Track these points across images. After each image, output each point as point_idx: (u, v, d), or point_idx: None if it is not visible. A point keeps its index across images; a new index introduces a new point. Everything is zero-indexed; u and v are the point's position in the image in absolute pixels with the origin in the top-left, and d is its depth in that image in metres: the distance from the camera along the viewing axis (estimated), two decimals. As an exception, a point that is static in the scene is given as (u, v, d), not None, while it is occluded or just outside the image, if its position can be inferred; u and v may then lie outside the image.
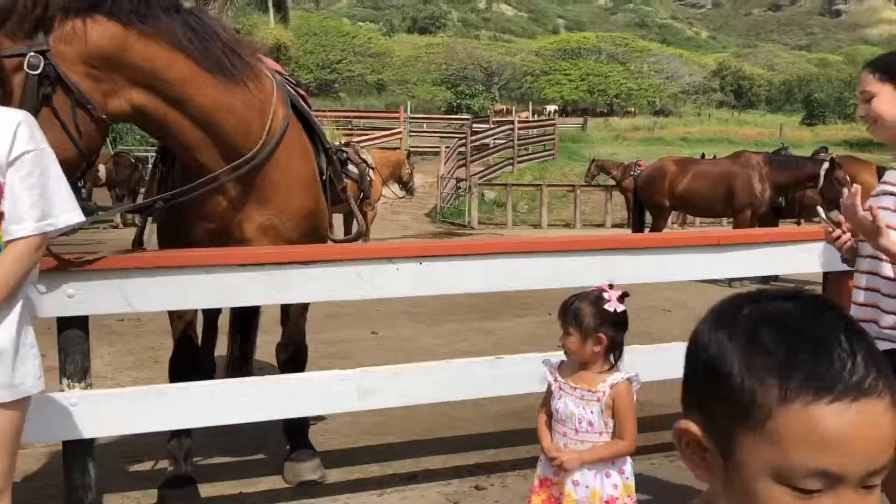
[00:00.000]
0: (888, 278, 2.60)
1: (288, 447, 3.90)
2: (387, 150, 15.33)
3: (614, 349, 2.55)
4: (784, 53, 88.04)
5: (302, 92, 4.09)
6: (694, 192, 10.95)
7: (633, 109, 56.74)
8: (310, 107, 4.04)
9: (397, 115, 30.66)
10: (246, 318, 4.89)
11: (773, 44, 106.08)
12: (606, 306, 2.50)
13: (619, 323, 2.53)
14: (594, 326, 2.49)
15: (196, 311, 3.64)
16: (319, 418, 4.81)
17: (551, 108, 45.63)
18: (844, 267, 4.09)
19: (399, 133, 27.05)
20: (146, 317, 7.69)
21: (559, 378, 2.61)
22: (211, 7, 15.97)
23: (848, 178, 10.08)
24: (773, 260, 4.06)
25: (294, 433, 3.87)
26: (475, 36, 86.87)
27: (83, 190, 17.33)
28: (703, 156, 13.89)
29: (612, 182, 18.93)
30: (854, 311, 2.62)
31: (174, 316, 3.54)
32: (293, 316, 3.77)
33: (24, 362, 2.22)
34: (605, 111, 55.91)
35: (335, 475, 3.89)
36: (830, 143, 22.27)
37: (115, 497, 3.62)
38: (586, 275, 3.32)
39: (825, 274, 4.20)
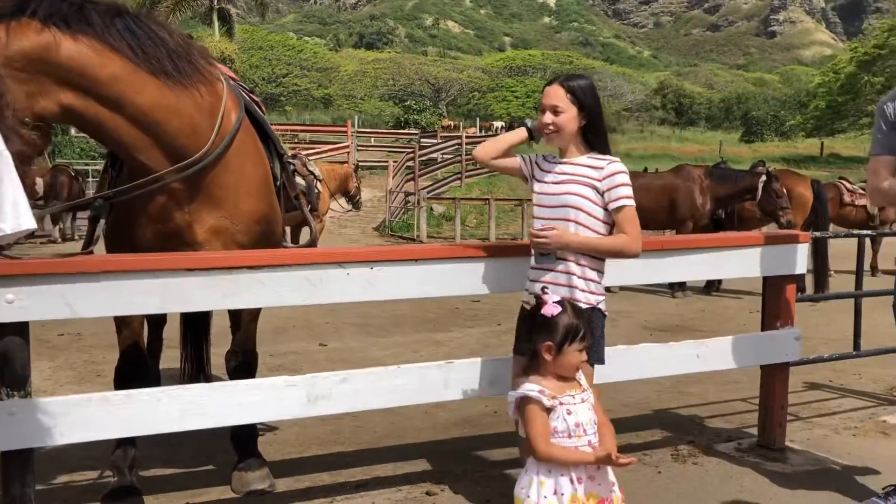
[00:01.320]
0: None
1: (236, 457, 3.84)
2: (334, 164, 15.25)
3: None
4: (723, 72, 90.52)
5: (256, 98, 4.08)
6: (638, 205, 11.13)
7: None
8: (264, 113, 4.03)
9: (345, 129, 30.57)
10: (196, 327, 4.81)
11: (713, 63, 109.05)
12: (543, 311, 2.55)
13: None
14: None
15: (143, 318, 3.58)
16: (269, 428, 4.76)
17: (498, 123, 45.99)
18: (782, 271, 4.25)
19: (346, 147, 26.95)
20: (88, 331, 7.52)
21: (554, 395, 2.52)
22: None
23: (784, 191, 10.43)
24: (714, 265, 4.17)
25: (242, 443, 3.82)
26: (422, 52, 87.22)
27: (20, 203, 16.85)
28: (645, 169, 14.17)
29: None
30: None
31: (120, 323, 3.48)
32: (243, 323, 3.72)
33: None
34: (551, 127, 56.14)
35: (284, 484, 3.85)
36: (768, 159, 22.93)
37: (55, 512, 3.52)
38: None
39: (764, 278, 4.33)
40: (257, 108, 3.83)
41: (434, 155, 27.12)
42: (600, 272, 3.17)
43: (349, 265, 3.30)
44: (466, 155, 26.97)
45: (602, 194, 3.09)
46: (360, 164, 19.71)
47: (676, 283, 10.75)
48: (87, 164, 21.26)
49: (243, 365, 3.71)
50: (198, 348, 4.87)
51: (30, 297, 2.85)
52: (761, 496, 3.75)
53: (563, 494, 2.41)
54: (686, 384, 5.84)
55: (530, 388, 2.50)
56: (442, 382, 3.52)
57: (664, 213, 11.01)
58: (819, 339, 7.31)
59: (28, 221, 2.16)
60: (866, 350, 5.24)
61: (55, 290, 2.88)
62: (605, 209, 3.11)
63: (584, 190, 3.09)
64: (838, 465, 4.18)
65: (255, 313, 3.77)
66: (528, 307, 3.07)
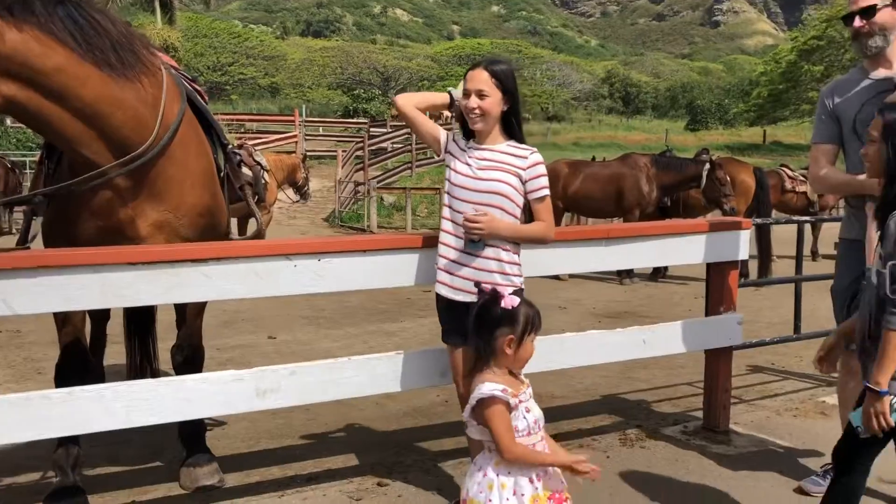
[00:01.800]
0: None
1: (184, 453, 3.79)
2: (281, 154, 15.05)
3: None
4: (668, 62, 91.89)
5: (198, 88, 4.00)
6: (585, 194, 11.28)
7: (527, 115, 57.85)
8: (206, 102, 3.95)
9: (292, 118, 30.19)
10: (141, 323, 4.71)
11: (658, 52, 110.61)
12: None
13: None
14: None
15: (84, 313, 3.49)
16: (217, 423, 4.69)
17: (447, 113, 45.86)
18: (725, 258, 4.34)
19: (294, 137, 26.65)
20: (27, 328, 7.31)
21: (514, 393, 2.45)
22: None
23: (728, 178, 10.65)
24: (659, 252, 4.24)
25: (190, 438, 3.76)
26: (371, 40, 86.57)
27: (-46, 196, 16.24)
28: (593, 158, 14.31)
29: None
30: None
31: (60, 319, 3.39)
32: (189, 317, 3.66)
33: None
34: (501, 116, 56.33)
35: (234, 479, 3.81)
36: (712, 147, 23.36)
37: (-6, 514, 3.43)
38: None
39: (708, 265, 4.42)
40: (200, 98, 3.76)
41: (384, 144, 26.96)
42: (519, 256, 3.24)
43: (296, 257, 3.27)
44: (417, 144, 26.93)
45: (524, 183, 3.14)
46: (309, 153, 19.51)
47: (624, 271, 10.90)
48: (24, 156, 20.61)
49: (189, 360, 3.65)
50: (143, 343, 4.77)
51: (-37, 294, 2.76)
52: (706, 477, 3.83)
53: (523, 495, 2.38)
54: (634, 370, 5.93)
55: (494, 387, 2.41)
56: (391, 373, 3.51)
57: (611, 201, 11.14)
58: (762, 323, 7.50)
59: None
60: (806, 333, 5.40)
61: (-10, 287, 2.79)
62: (524, 197, 3.17)
63: (510, 178, 3.13)
64: (780, 446, 4.30)
65: (200, 307, 3.71)
66: (455, 299, 3.10)
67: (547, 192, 3.19)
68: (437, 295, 3.22)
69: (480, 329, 2.50)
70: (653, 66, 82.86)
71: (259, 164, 11.18)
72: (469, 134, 3.25)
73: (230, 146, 3.96)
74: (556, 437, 4.22)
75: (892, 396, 2.52)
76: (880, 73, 3.59)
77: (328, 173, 24.31)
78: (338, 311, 8.68)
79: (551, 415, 4.36)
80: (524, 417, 2.45)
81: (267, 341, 7.14)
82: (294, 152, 19.01)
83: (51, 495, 3.36)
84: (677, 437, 4.42)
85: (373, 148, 25.32)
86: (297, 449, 4.33)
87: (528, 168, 3.14)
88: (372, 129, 28.36)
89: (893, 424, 2.52)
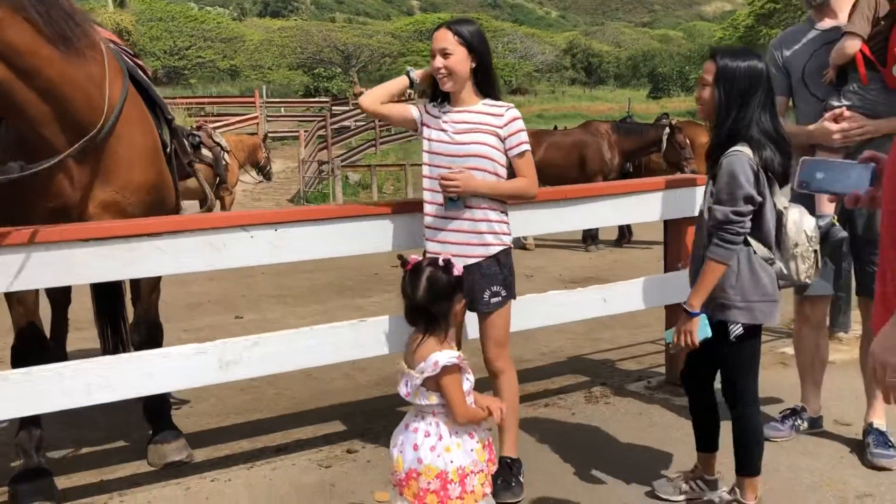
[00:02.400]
0: None
1: (150, 431, 3.78)
2: (242, 135, 14.91)
3: None
4: (629, 30, 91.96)
5: (140, 62, 3.92)
6: (548, 162, 11.30)
7: (490, 88, 57.39)
8: (149, 77, 3.88)
9: (252, 100, 29.81)
10: (111, 307, 4.63)
11: (619, 21, 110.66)
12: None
13: None
14: None
15: (37, 294, 3.44)
16: (184, 401, 4.68)
17: (411, 92, 45.59)
18: (681, 214, 4.39)
19: (255, 118, 26.34)
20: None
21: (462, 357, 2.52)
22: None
23: (688, 141, 10.75)
24: (617, 211, 4.28)
25: (155, 415, 3.76)
26: (330, 19, 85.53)
27: None
28: (555, 127, 14.34)
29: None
30: None
31: (13, 301, 3.33)
32: (143, 293, 3.63)
33: None
34: (464, 91, 56.14)
35: (202, 454, 3.82)
36: (674, 113, 23.45)
37: (-40, 499, 3.39)
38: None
39: (665, 222, 4.48)
40: (142, 74, 3.69)
41: (346, 123, 26.77)
42: (507, 214, 3.27)
43: (253, 228, 3.26)
44: (380, 122, 26.80)
45: (503, 140, 3.15)
46: (271, 134, 19.32)
47: (589, 238, 11.01)
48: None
49: (149, 338, 3.63)
50: (115, 327, 4.69)
51: (-89, 278, 2.71)
52: (669, 428, 3.92)
53: (472, 450, 2.47)
54: (598, 330, 6.01)
55: (451, 354, 2.44)
56: (354, 341, 3.52)
57: (574, 169, 11.18)
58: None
59: None
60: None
61: (-61, 269, 2.75)
62: (505, 154, 3.16)
63: (489, 139, 3.14)
64: (741, 396, 4.39)
65: (154, 282, 3.68)
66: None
67: (527, 147, 3.19)
68: None
69: (437, 299, 2.47)
70: (614, 36, 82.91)
71: (219, 144, 11.06)
72: (443, 96, 3.23)
73: (174, 121, 3.89)
74: (524, 399, 4.29)
75: (700, 317, 2.81)
76: (826, 23, 3.65)
77: (291, 154, 24.07)
78: (304, 289, 8.65)
79: (518, 377, 4.42)
80: (468, 380, 2.51)
81: (234, 321, 7.10)
82: (256, 134, 18.83)
83: (16, 477, 3.33)
84: (641, 392, 4.50)
85: (335, 126, 25.14)
86: (265, 423, 4.34)
87: (505, 125, 3.15)
88: (334, 108, 28.13)
89: (697, 344, 2.83)
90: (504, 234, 3.22)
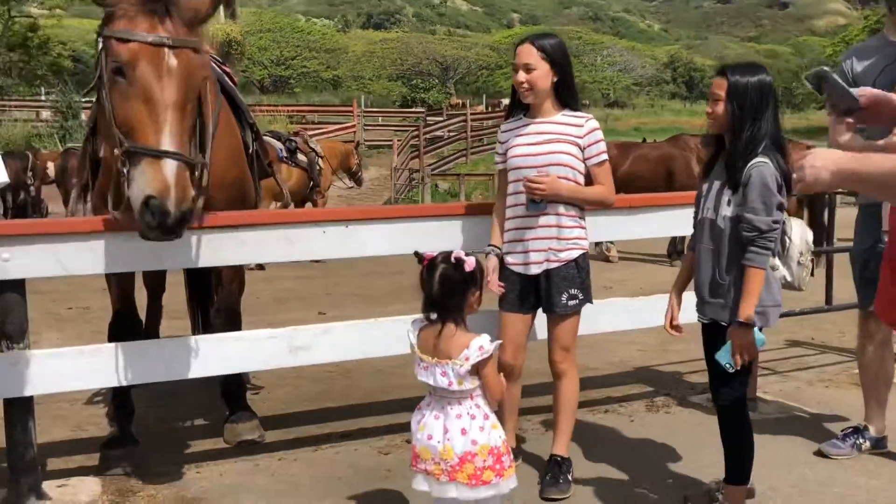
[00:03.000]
0: None
1: (227, 412, 4.06)
2: (335, 141, 15.41)
3: None
4: (734, 45, 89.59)
5: (227, 69, 4.24)
6: (635, 175, 11.24)
7: (587, 102, 57.03)
8: (235, 84, 4.19)
9: (351, 109, 30.64)
10: (203, 296, 4.97)
11: (724, 36, 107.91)
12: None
13: None
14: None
15: (133, 280, 3.78)
16: (261, 388, 4.98)
17: (507, 101, 45.72)
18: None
19: (353, 127, 27.07)
20: (96, 304, 7.75)
21: None
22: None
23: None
24: (686, 221, 4.30)
25: (232, 397, 4.03)
26: (430, 31, 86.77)
27: (32, 188, 17.01)
28: (644, 140, 14.23)
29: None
30: None
31: (111, 283, 3.68)
32: (225, 281, 3.92)
33: None
34: (560, 104, 55.78)
35: (273, 436, 4.07)
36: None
37: (58, 461, 3.75)
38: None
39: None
40: (228, 80, 3.99)
41: (439, 133, 27.20)
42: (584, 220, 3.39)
43: (326, 224, 3.49)
44: (472, 132, 27.08)
45: (583, 150, 3.27)
46: (367, 143, 19.84)
47: (675, 252, 10.88)
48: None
49: (228, 323, 3.89)
50: (206, 314, 5.03)
51: (25, 256, 3.06)
52: (726, 439, 3.91)
53: (499, 425, 2.67)
54: (670, 343, 5.98)
55: (487, 338, 2.57)
56: (418, 334, 3.69)
57: (662, 182, 11.08)
58: (792, 296, 7.41)
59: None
60: (838, 304, 5.37)
61: (48, 249, 3.09)
62: (584, 163, 3.30)
63: (569, 148, 3.27)
64: (806, 413, 4.35)
65: (234, 271, 3.95)
66: (521, 272, 3.29)
67: (605, 156, 3.31)
68: (504, 265, 3.37)
69: (451, 294, 2.59)
70: (717, 50, 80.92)
71: (314, 150, 11.54)
72: (521, 107, 3.38)
73: (255, 125, 4.18)
74: (584, 405, 4.37)
75: (754, 328, 2.80)
76: (902, 37, 3.60)
77: (385, 162, 24.64)
78: (388, 289, 8.91)
79: (583, 384, 4.50)
80: None
81: (317, 317, 7.41)
82: (352, 141, 19.41)
83: (107, 443, 3.67)
84: (703, 403, 4.50)
85: (428, 136, 25.57)
86: (334, 411, 4.58)
87: (585, 135, 3.28)
88: (428, 118, 28.60)
89: (757, 356, 2.81)
90: (581, 238, 3.34)
